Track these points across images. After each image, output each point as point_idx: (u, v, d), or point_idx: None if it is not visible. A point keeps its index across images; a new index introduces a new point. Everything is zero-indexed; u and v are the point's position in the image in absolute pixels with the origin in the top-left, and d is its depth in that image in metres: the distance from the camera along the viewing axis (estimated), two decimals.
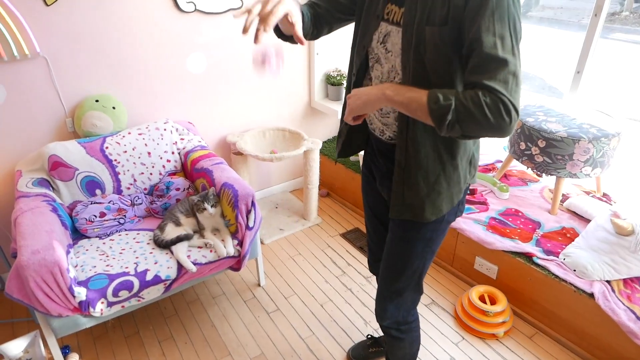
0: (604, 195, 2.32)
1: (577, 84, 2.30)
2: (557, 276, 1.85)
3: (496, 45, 0.90)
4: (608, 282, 1.80)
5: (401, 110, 1.00)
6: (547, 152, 2.08)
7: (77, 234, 1.95)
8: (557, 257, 1.94)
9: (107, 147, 2.05)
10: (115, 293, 1.66)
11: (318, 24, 1.25)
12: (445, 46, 0.97)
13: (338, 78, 2.79)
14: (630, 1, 6.71)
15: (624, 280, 1.80)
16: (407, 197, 1.18)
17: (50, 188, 1.95)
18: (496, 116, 0.89)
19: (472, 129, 0.92)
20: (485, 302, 1.99)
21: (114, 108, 2.13)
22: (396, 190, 1.19)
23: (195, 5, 2.25)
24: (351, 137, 1.35)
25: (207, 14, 2.31)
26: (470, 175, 1.23)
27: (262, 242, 2.59)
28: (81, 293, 1.58)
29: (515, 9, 0.92)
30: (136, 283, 1.70)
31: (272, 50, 1.02)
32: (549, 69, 5.46)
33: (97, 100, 2.10)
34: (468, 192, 1.31)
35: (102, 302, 1.65)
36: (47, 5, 1.90)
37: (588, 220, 2.13)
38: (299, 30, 1.03)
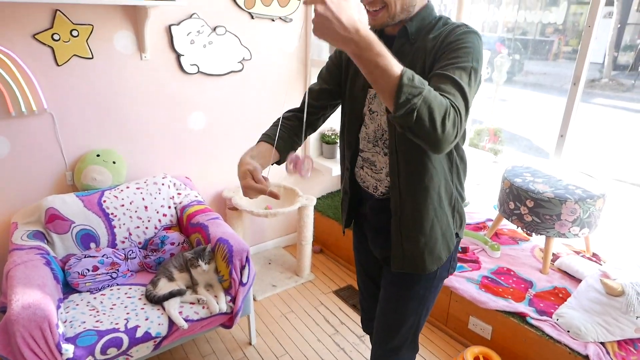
0: (594, 255, 2.36)
1: (561, 148, 2.41)
2: (551, 337, 1.84)
3: (457, 70, 0.96)
4: (602, 343, 1.79)
5: (360, 68, 0.89)
6: (536, 212, 2.14)
7: (68, 288, 1.92)
8: (551, 317, 1.94)
9: (104, 201, 2.07)
10: (103, 350, 1.62)
11: (299, 134, 1.25)
12: None
13: (332, 137, 2.89)
14: (609, 69, 7.12)
15: (618, 342, 1.79)
16: (406, 249, 1.21)
17: (45, 241, 1.95)
18: (451, 123, 0.88)
19: (423, 124, 0.86)
20: None
21: (114, 163, 2.18)
22: (395, 242, 1.22)
23: (198, 68, 2.38)
24: (354, 206, 1.40)
25: (209, 75, 2.43)
26: (455, 222, 1.24)
27: (254, 299, 2.56)
28: (69, 350, 1.54)
29: (479, 53, 1.00)
30: (125, 340, 1.66)
31: (302, 158, 1.07)
32: (535, 130, 5.67)
33: (98, 155, 2.15)
34: (459, 249, 1.34)
35: None
36: (58, 65, 2.00)
37: (579, 280, 2.15)
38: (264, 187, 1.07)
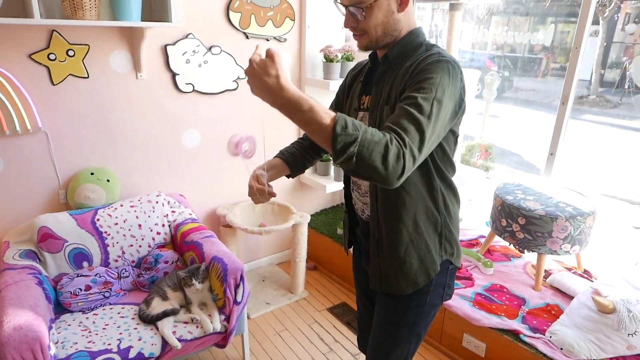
0: (585, 271, 2.38)
1: (551, 166, 2.45)
2: (545, 355, 1.85)
3: (416, 104, 0.95)
4: None
5: (298, 125, 0.92)
6: (527, 229, 2.16)
7: (60, 308, 1.90)
8: (544, 334, 1.95)
9: (98, 219, 2.06)
10: None
11: (311, 152, 1.41)
12: None
13: (326, 155, 2.91)
14: (596, 86, 7.26)
15: (610, 359, 1.81)
16: (382, 268, 1.22)
17: (37, 260, 1.93)
18: (393, 157, 0.88)
19: (367, 166, 0.88)
20: None
21: (108, 181, 2.18)
22: (373, 261, 1.24)
23: (193, 86, 2.40)
24: (353, 224, 1.42)
25: (204, 94, 2.46)
26: (443, 249, 1.22)
27: (248, 317, 2.54)
28: None
29: (449, 84, 0.99)
30: None
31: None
32: (526, 146, 5.74)
33: (92, 173, 2.15)
34: (454, 274, 1.32)
35: None
36: (54, 84, 2.01)
37: (571, 297, 2.16)
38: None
